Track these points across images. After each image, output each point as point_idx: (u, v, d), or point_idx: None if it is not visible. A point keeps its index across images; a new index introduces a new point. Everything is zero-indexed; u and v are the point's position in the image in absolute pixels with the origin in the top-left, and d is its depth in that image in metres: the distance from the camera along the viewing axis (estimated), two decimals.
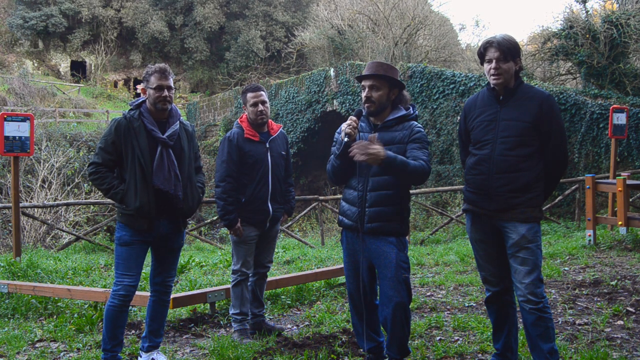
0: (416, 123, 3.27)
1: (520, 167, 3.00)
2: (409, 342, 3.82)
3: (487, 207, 3.09)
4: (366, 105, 3.24)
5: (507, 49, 2.99)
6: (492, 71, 3.02)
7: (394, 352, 3.24)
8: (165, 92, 3.36)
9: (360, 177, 3.22)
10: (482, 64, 3.14)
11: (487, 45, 3.04)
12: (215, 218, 11.33)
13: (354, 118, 3.18)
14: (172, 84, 3.41)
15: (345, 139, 3.14)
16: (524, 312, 3.05)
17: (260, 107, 4.08)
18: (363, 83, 3.25)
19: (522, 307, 3.06)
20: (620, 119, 8.35)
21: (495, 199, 3.05)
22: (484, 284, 3.30)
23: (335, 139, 3.35)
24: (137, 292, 3.52)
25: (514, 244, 3.02)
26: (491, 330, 3.93)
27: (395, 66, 3.35)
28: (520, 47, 3.10)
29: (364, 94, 3.24)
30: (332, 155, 3.32)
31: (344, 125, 3.18)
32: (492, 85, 3.09)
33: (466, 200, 3.25)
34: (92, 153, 16.45)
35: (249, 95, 4.11)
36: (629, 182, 7.33)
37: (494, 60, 3.01)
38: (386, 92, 3.22)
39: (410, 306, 4.78)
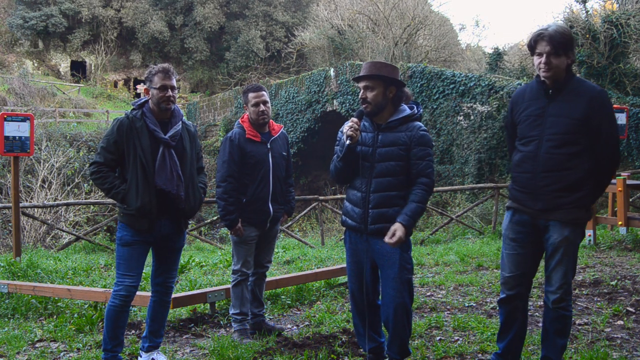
0: (420, 124, 3.23)
1: (567, 165, 2.89)
2: (409, 342, 3.83)
3: (532, 206, 3.00)
4: (363, 106, 3.23)
5: (559, 43, 2.87)
6: (542, 66, 2.91)
7: (395, 352, 3.24)
8: (169, 92, 3.36)
9: (363, 178, 3.22)
10: (532, 55, 3.02)
11: (537, 37, 2.92)
12: (215, 218, 11.33)
13: (356, 120, 3.17)
14: (175, 84, 3.41)
15: (347, 142, 3.14)
16: (547, 308, 3.05)
17: (262, 107, 4.07)
18: (359, 84, 3.25)
19: (546, 301, 3.05)
20: (620, 119, 8.34)
21: (541, 199, 2.96)
22: (502, 286, 3.21)
23: (338, 138, 3.32)
24: (137, 292, 3.52)
25: (555, 244, 2.96)
26: (491, 330, 3.95)
27: (394, 65, 3.31)
28: (573, 38, 2.95)
29: (360, 95, 3.24)
30: (335, 156, 3.30)
31: (345, 127, 3.17)
32: (542, 78, 2.98)
33: (511, 198, 3.16)
34: (93, 153, 16.46)
35: (251, 95, 4.10)
36: (629, 182, 7.34)
37: (544, 55, 2.90)
38: (381, 91, 3.18)
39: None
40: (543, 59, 2.90)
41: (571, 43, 2.92)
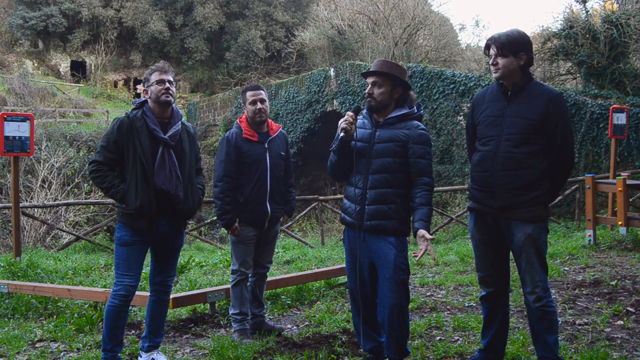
0: (419, 123, 3.26)
1: (524, 164, 2.99)
2: (409, 342, 3.83)
3: (491, 205, 3.08)
4: (368, 100, 3.28)
5: (502, 44, 3.00)
6: (492, 67, 3.07)
7: (392, 352, 3.24)
8: (167, 84, 3.38)
9: (360, 175, 3.24)
10: None
11: (487, 42, 3.12)
12: (215, 218, 11.34)
13: (351, 113, 3.22)
14: (172, 80, 3.44)
15: (342, 134, 3.18)
16: (530, 308, 3.09)
17: (259, 105, 4.08)
18: (367, 79, 3.30)
19: (527, 302, 3.09)
20: (620, 119, 8.35)
21: (499, 197, 3.04)
22: (480, 285, 3.32)
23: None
24: (137, 292, 3.53)
25: (520, 243, 3.03)
26: None
27: (402, 66, 3.38)
28: (528, 41, 3.08)
29: (367, 90, 3.29)
30: (332, 152, 3.34)
31: (340, 121, 3.22)
32: (494, 79, 3.12)
33: (471, 198, 3.24)
34: (93, 153, 16.46)
35: (249, 93, 4.12)
36: (629, 182, 7.33)
37: (492, 57, 3.07)
38: (388, 89, 3.24)
39: (410, 306, 4.78)
40: (491, 60, 3.06)
41: (519, 45, 3.01)
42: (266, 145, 4.13)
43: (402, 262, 3.18)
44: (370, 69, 3.28)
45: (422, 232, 3.08)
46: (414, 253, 3.07)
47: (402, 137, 3.19)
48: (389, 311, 3.15)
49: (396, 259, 3.15)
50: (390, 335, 3.20)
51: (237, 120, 4.22)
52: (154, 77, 3.39)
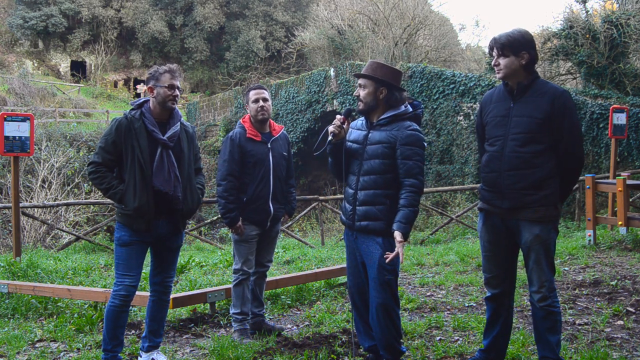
0: (410, 123, 3.22)
1: (531, 164, 2.97)
2: (410, 342, 3.83)
3: (500, 205, 3.07)
4: (358, 103, 3.32)
5: (503, 45, 3.00)
6: (495, 67, 3.07)
7: (384, 352, 3.25)
8: (176, 91, 3.39)
9: (353, 176, 3.28)
10: None
11: (490, 44, 3.11)
12: (215, 218, 11.34)
13: (341, 117, 3.27)
14: (179, 85, 3.44)
15: (330, 137, 3.24)
16: (534, 307, 3.09)
17: (261, 103, 4.11)
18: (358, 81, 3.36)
19: (532, 301, 3.10)
20: (620, 119, 8.35)
21: (507, 197, 3.03)
22: (485, 286, 3.31)
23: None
24: (137, 292, 3.53)
25: (528, 243, 3.02)
26: None
27: (394, 66, 3.39)
28: (530, 40, 3.04)
29: (354, 93, 3.35)
30: None
31: (330, 125, 3.28)
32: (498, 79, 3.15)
33: (481, 199, 3.23)
34: (92, 153, 16.45)
35: (252, 92, 4.15)
36: (629, 182, 7.33)
37: (494, 57, 3.07)
38: (372, 91, 3.24)
39: (410, 306, 4.81)
40: (493, 61, 3.07)
41: (520, 44, 2.99)
42: (269, 145, 4.15)
43: (388, 262, 3.15)
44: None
45: (396, 233, 3.06)
46: (386, 254, 3.06)
47: (391, 138, 3.17)
48: (375, 311, 3.17)
49: (381, 259, 3.13)
50: (378, 336, 3.21)
51: (240, 120, 4.24)
52: (165, 79, 3.36)
